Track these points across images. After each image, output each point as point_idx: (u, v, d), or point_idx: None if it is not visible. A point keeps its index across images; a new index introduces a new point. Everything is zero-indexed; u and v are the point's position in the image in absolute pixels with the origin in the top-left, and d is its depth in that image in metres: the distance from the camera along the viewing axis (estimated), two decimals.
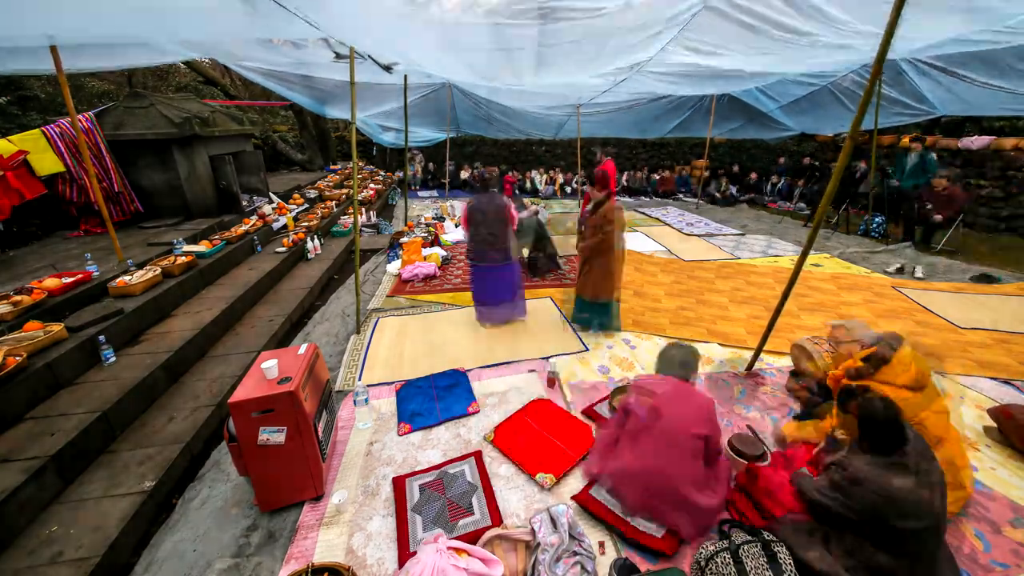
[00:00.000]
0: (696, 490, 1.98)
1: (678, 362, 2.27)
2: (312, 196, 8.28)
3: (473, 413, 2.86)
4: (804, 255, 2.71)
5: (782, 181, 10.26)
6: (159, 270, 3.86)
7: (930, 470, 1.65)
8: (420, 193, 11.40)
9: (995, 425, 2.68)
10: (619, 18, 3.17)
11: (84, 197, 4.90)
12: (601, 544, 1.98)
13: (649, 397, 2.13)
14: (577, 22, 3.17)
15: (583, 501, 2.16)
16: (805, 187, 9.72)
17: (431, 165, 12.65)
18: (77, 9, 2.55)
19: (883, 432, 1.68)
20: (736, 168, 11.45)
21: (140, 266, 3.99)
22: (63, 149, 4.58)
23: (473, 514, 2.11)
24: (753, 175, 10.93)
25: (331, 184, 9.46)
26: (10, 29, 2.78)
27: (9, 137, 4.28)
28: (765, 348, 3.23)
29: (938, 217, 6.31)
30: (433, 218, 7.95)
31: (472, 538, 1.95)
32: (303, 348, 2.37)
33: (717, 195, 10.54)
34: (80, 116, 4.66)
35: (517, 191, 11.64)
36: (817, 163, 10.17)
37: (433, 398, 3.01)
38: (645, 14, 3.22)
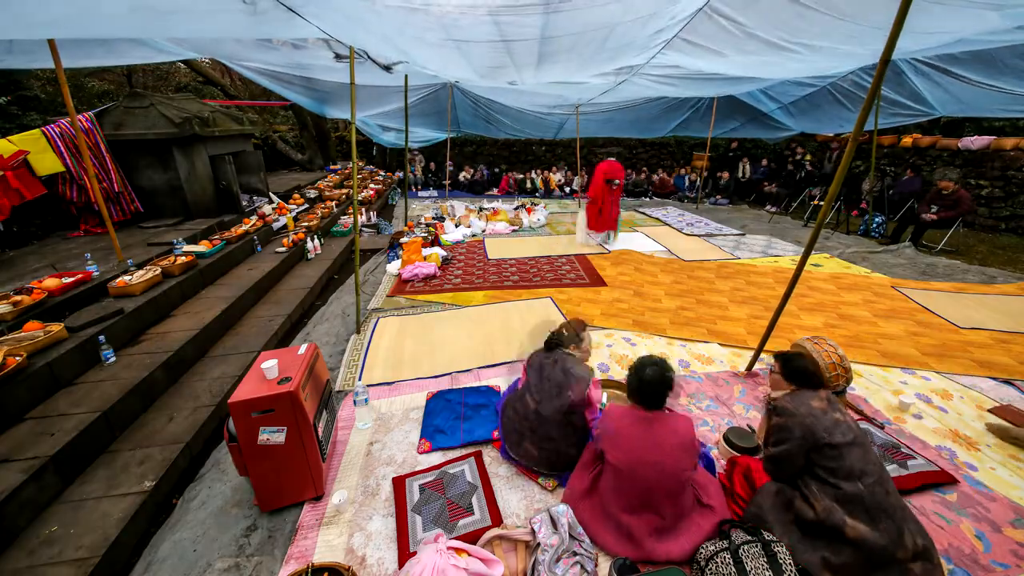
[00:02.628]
0: (683, 513, 1.92)
1: (651, 393, 1.96)
2: (312, 196, 8.28)
3: (499, 439, 2.55)
4: (806, 255, 2.71)
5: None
6: (159, 270, 3.86)
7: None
8: (420, 193, 11.41)
9: (997, 422, 2.68)
10: (621, 11, 3.16)
11: (84, 197, 4.90)
12: None
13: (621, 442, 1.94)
14: (580, 11, 3.16)
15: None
16: (779, 187, 9.83)
17: (431, 165, 12.66)
18: (73, 7, 2.54)
19: (802, 374, 2.01)
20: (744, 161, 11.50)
21: (140, 266, 3.99)
22: (63, 149, 4.57)
23: (473, 514, 2.11)
24: (725, 175, 11.04)
25: (331, 184, 9.46)
26: (5, 26, 2.76)
27: (9, 137, 4.28)
28: (765, 348, 3.23)
29: (932, 217, 6.31)
30: (433, 218, 7.96)
31: (472, 538, 1.95)
32: (303, 348, 2.37)
33: (741, 178, 10.91)
34: (80, 116, 4.66)
35: (516, 191, 11.66)
36: (806, 163, 10.26)
37: (460, 416, 2.78)
38: (646, 9, 3.22)
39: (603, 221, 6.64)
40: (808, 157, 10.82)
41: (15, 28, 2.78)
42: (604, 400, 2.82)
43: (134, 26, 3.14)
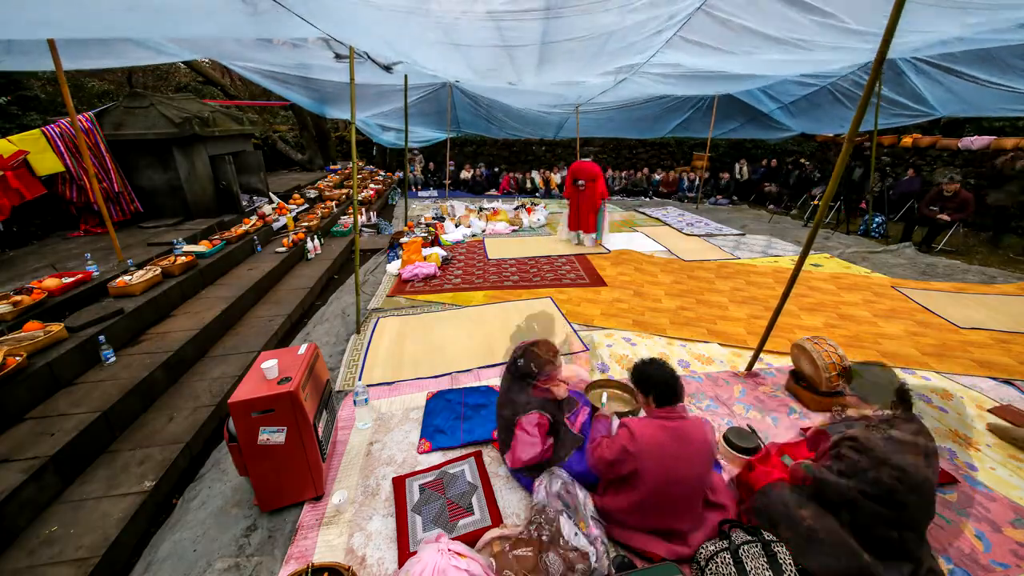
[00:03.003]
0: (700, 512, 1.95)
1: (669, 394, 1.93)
2: (312, 196, 8.28)
3: (498, 439, 2.51)
4: (804, 255, 2.71)
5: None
6: (159, 270, 3.86)
7: (931, 447, 1.68)
8: (420, 193, 11.41)
9: (997, 422, 2.68)
10: (621, 15, 3.17)
11: (84, 197, 4.90)
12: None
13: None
14: (579, 18, 3.17)
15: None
16: (779, 186, 9.85)
17: (431, 165, 12.66)
18: (73, 7, 2.54)
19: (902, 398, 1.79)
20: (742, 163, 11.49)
21: (140, 266, 3.99)
22: (63, 149, 4.58)
23: (473, 514, 2.11)
24: (725, 175, 11.03)
25: (331, 184, 9.46)
26: (4, 25, 2.76)
27: (9, 137, 4.28)
28: (765, 348, 3.24)
29: (945, 218, 6.31)
30: (433, 218, 7.96)
31: (472, 538, 1.96)
32: (303, 348, 2.37)
33: (739, 177, 10.90)
34: (80, 116, 4.66)
35: (516, 191, 11.66)
36: (805, 164, 10.29)
37: (460, 416, 2.77)
38: (645, 13, 3.23)
39: (577, 221, 6.63)
40: (803, 160, 10.82)
41: (14, 27, 2.78)
42: (604, 399, 2.82)
43: (134, 26, 3.14)
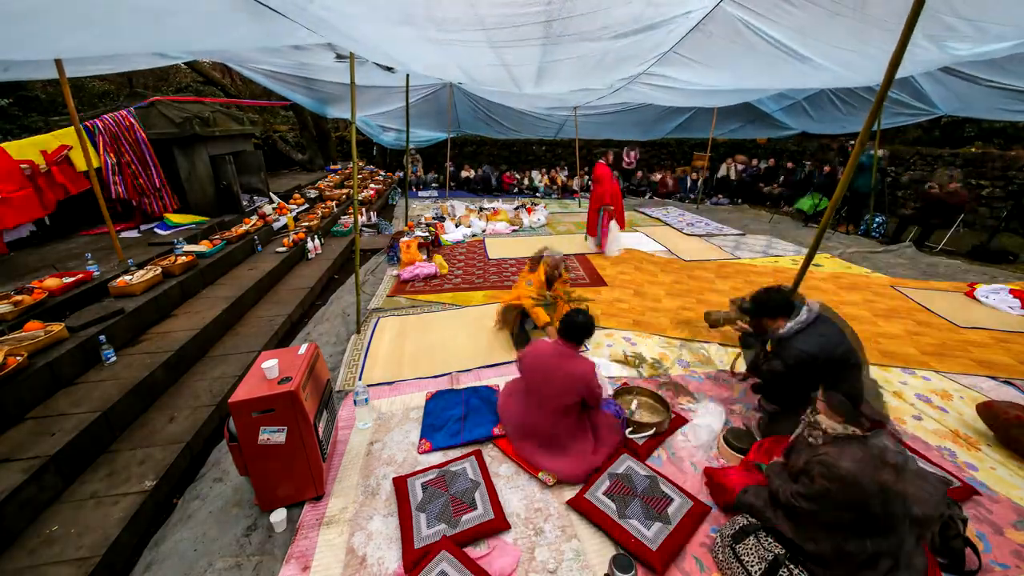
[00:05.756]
0: (570, 439, 2.36)
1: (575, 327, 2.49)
2: (312, 196, 8.28)
3: (499, 436, 2.62)
4: (809, 257, 2.71)
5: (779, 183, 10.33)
6: (160, 270, 3.86)
7: (900, 461, 1.61)
8: (420, 193, 11.41)
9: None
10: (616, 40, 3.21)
11: (127, 192, 4.91)
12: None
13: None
14: (576, 45, 3.21)
15: (577, 504, 2.15)
16: (780, 186, 9.84)
17: (433, 168, 12.66)
18: (85, 32, 2.53)
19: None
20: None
21: (141, 266, 3.99)
22: (103, 145, 4.58)
23: (476, 509, 2.12)
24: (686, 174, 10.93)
25: (331, 184, 9.45)
26: (17, 52, 2.76)
27: (52, 132, 4.28)
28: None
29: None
30: (433, 218, 7.96)
31: (477, 533, 1.99)
32: (303, 348, 2.37)
33: (733, 178, 10.80)
34: (122, 112, 4.76)
35: (516, 190, 11.65)
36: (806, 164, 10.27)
37: (460, 416, 2.78)
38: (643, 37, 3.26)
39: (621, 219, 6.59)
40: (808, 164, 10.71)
41: (26, 51, 2.78)
42: (634, 406, 2.80)
43: (140, 42, 3.14)
